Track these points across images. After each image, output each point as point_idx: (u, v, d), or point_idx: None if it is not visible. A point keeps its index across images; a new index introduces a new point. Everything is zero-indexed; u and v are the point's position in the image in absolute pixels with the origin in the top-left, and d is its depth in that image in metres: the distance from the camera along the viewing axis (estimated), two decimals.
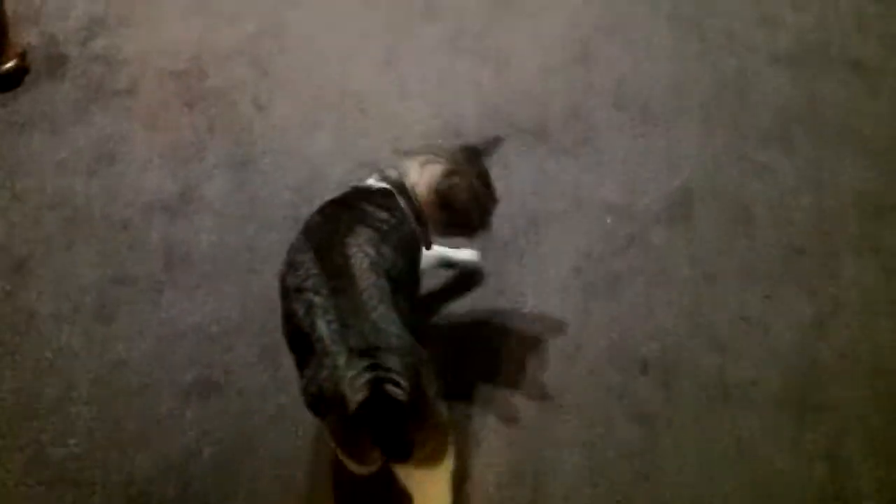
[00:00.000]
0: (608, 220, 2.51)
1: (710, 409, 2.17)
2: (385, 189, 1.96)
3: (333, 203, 1.98)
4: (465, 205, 1.98)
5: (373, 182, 1.99)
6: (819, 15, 3.02)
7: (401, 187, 1.96)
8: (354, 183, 2.03)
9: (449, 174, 1.97)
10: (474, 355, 2.27)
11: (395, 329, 1.73)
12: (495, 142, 2.11)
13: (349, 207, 1.93)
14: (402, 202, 1.95)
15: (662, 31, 2.94)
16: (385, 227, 1.89)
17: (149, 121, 2.75)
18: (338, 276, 1.77)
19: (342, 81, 2.82)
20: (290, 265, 1.85)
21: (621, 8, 3.00)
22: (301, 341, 1.76)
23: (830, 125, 2.74)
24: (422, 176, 1.98)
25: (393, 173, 1.99)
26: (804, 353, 2.25)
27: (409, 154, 2.05)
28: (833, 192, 2.58)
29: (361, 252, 1.81)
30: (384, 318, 1.74)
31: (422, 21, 2.98)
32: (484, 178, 2.03)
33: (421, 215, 1.96)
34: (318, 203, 2.30)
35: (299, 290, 1.78)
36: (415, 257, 1.98)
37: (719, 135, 2.70)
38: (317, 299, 1.74)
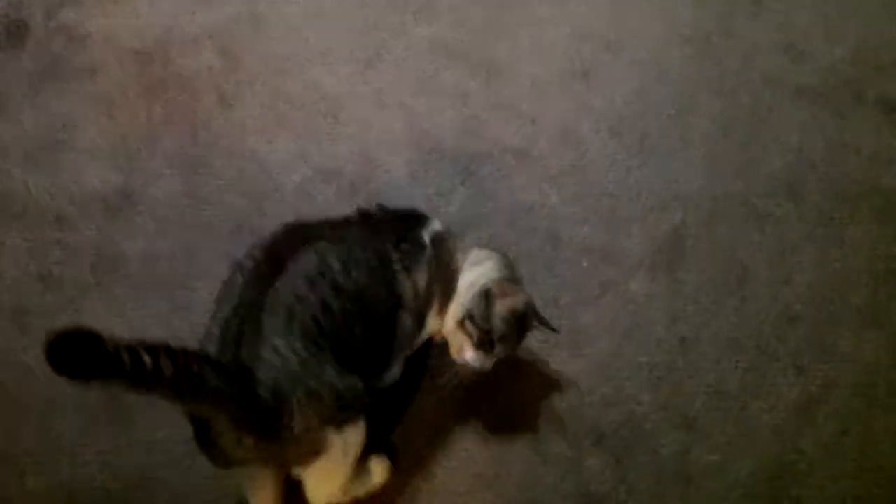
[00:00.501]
0: (584, 264, 2.26)
1: (666, 494, 1.91)
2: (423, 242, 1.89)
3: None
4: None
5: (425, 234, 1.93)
6: (854, 48, 2.70)
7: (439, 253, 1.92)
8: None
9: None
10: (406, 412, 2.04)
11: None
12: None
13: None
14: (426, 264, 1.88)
15: (674, 53, 2.65)
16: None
17: (104, 107, 2.53)
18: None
19: (317, 81, 2.58)
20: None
21: (632, 23, 2.71)
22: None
23: (850, 175, 2.44)
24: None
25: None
26: (782, 439, 1.99)
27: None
28: (842, 253, 2.29)
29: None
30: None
31: (415, 21, 2.71)
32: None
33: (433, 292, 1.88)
34: (269, 215, 2.10)
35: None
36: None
37: (722, 175, 2.42)
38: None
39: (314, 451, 1.67)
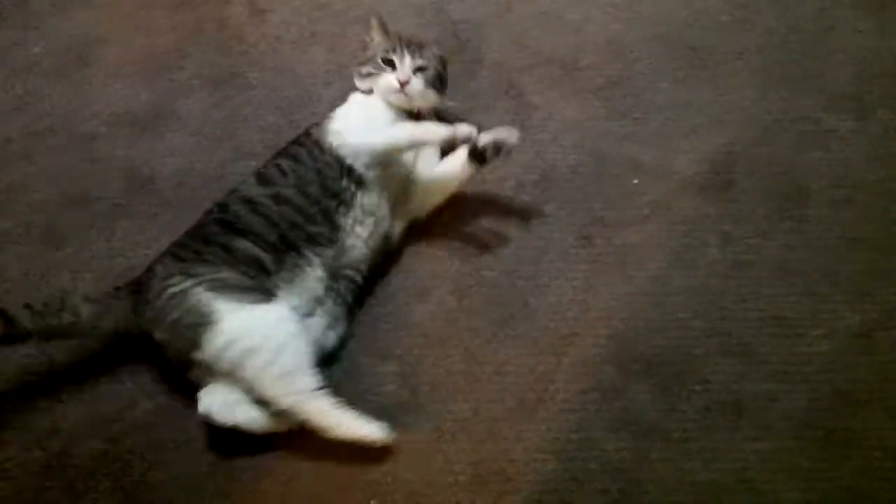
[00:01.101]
0: (634, 181, 2.14)
1: (716, 425, 1.82)
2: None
3: None
4: None
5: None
6: None
7: None
8: None
9: None
10: (447, 325, 1.96)
11: None
12: None
13: None
14: None
15: None
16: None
17: (130, 20, 2.45)
18: None
19: None
20: None
21: None
22: None
23: None
24: None
25: None
26: (842, 369, 1.88)
27: None
28: None
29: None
30: None
31: None
32: None
33: None
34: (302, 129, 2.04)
35: None
36: None
37: (779, 89, 2.27)
38: None
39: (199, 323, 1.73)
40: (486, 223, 2.08)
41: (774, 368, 1.88)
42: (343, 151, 1.93)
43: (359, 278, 1.94)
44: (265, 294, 1.80)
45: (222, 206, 1.91)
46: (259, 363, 1.73)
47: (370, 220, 1.94)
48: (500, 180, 2.14)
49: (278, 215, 1.87)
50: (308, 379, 1.75)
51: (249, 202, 1.89)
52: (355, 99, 2.07)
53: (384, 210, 1.97)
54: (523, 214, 2.09)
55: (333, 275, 1.89)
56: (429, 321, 1.96)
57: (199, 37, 2.41)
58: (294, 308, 1.82)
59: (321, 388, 1.76)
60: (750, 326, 1.93)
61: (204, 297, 1.76)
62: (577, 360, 1.91)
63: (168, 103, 2.29)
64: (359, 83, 2.07)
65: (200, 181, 2.16)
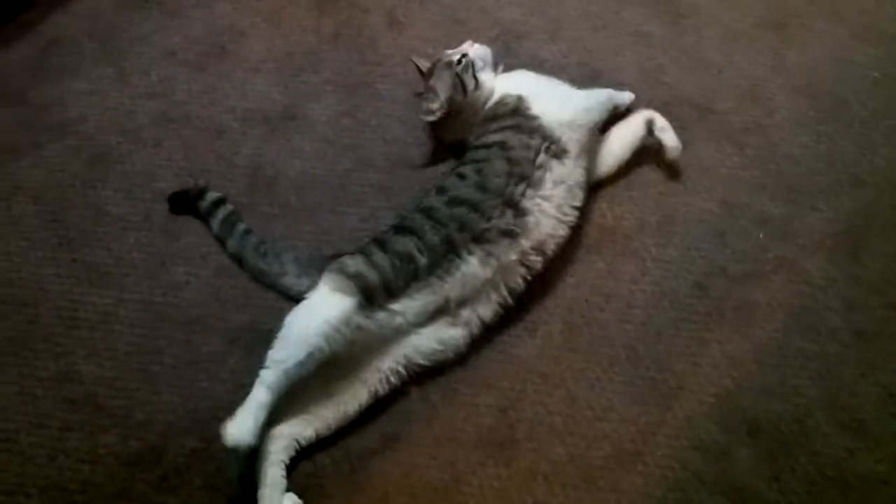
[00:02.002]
0: (760, 235, 2.07)
1: (822, 500, 1.75)
2: None
3: None
4: None
5: None
6: None
7: None
8: None
9: None
10: (552, 362, 1.93)
11: None
12: None
13: None
14: None
15: (885, 7, 2.39)
16: None
17: (272, 16, 2.48)
18: None
19: (493, 7, 2.45)
20: None
21: None
22: None
23: None
24: None
25: None
26: None
27: None
28: None
29: None
30: None
31: None
32: None
33: None
34: (427, 147, 2.10)
35: None
36: None
37: None
38: None
39: None
40: (602, 260, 2.04)
41: (890, 450, 1.79)
42: (554, 127, 1.98)
43: (539, 264, 1.93)
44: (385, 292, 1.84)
45: (403, 216, 1.98)
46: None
47: (561, 189, 1.94)
48: (621, 216, 2.10)
49: (449, 217, 1.89)
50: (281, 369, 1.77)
51: (424, 210, 1.93)
52: (526, 78, 2.13)
53: (577, 176, 1.98)
54: (640, 255, 2.05)
55: (505, 269, 1.90)
56: (534, 356, 1.93)
57: (336, 42, 2.42)
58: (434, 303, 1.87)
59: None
60: (868, 402, 1.85)
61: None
62: (681, 415, 1.86)
63: (299, 105, 2.30)
64: None
65: (321, 188, 2.17)
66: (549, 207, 1.92)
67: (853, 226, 2.07)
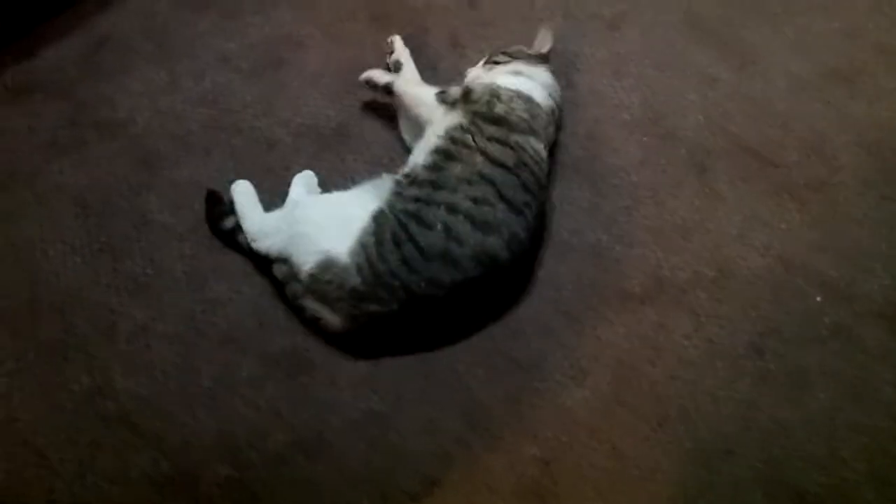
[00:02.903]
0: (817, 298, 2.02)
1: None
2: None
3: None
4: None
5: None
6: None
7: None
8: None
9: None
10: (599, 415, 1.88)
11: None
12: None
13: None
14: None
15: None
16: None
17: (331, 29, 2.43)
18: None
19: (557, 38, 2.38)
20: None
21: None
22: None
23: None
24: None
25: None
26: None
27: None
28: None
29: None
30: None
31: None
32: None
33: None
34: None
35: None
36: None
37: None
38: None
39: None
40: (654, 312, 1.99)
41: None
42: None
43: None
44: None
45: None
46: None
47: None
48: (676, 269, 2.05)
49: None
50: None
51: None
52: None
53: None
54: (694, 310, 1.99)
55: None
56: (581, 407, 1.88)
57: None
58: None
59: None
60: None
61: None
62: (727, 480, 1.81)
63: (353, 124, 2.25)
64: None
65: None
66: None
67: None
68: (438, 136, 1.99)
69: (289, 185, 2.09)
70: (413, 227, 1.85)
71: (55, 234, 2.08)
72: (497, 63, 2.14)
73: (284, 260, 1.93)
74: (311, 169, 2.14)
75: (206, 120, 2.25)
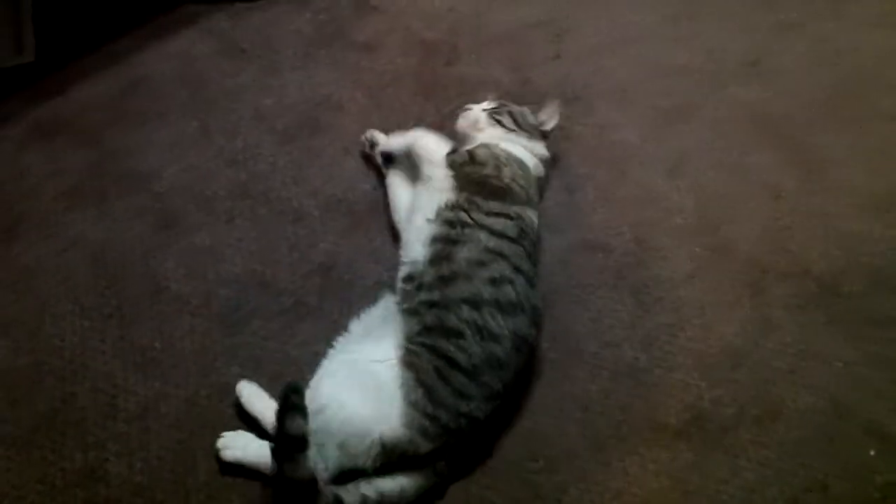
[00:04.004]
0: (871, 453, 1.85)
1: None
2: None
3: None
4: None
5: None
6: None
7: None
8: None
9: None
10: None
11: None
12: None
13: None
14: None
15: None
16: None
17: (374, 93, 2.31)
18: None
19: (606, 124, 2.26)
20: None
21: None
22: None
23: None
24: None
25: None
26: None
27: None
28: None
29: None
30: None
31: (739, 77, 2.41)
32: None
33: None
34: None
35: None
36: None
37: None
38: None
39: None
40: (690, 450, 1.83)
41: None
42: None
43: None
44: None
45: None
46: None
47: None
48: (718, 402, 1.89)
49: None
50: None
51: None
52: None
53: None
54: (734, 453, 1.83)
55: None
56: None
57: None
58: None
59: None
60: None
61: None
62: None
63: (383, 198, 2.12)
64: None
65: None
66: None
67: None
68: (430, 222, 1.86)
69: (309, 266, 1.98)
70: (445, 346, 1.71)
71: (66, 292, 1.98)
72: (501, 123, 2.06)
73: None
74: (337, 247, 2.04)
75: (234, 183, 2.15)
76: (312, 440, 1.61)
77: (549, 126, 2.10)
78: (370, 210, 2.12)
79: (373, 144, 2.15)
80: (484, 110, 2.08)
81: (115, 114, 2.24)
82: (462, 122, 2.07)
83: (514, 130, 2.05)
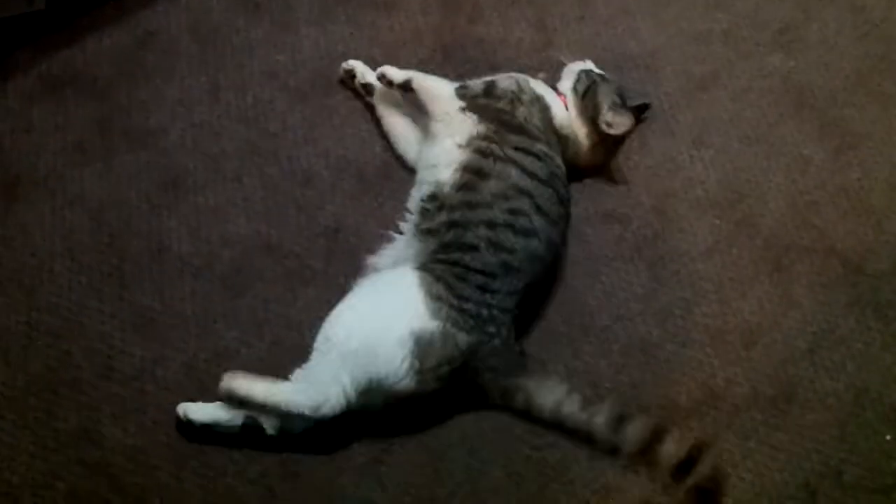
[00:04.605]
0: (887, 437, 1.79)
1: None
2: None
3: None
4: None
5: None
6: None
7: None
8: None
9: None
10: None
11: None
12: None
13: None
14: None
15: None
16: None
17: (391, 51, 2.24)
18: None
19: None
20: None
21: None
22: None
23: None
24: None
25: None
26: None
27: None
28: None
29: None
30: None
31: (774, 44, 2.32)
32: None
33: None
34: None
35: None
36: None
37: None
38: None
39: None
40: (699, 430, 1.78)
41: None
42: None
43: None
44: None
45: None
46: None
47: None
48: (731, 381, 1.83)
49: None
50: None
51: None
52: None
53: None
54: (746, 434, 1.78)
55: None
56: None
57: None
58: None
59: None
60: None
61: None
62: None
63: (400, 165, 2.06)
64: None
65: None
66: None
67: None
68: (461, 147, 1.84)
69: (317, 228, 1.94)
70: (460, 256, 1.74)
71: (65, 250, 1.93)
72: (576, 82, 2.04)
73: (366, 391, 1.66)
74: (345, 210, 1.99)
75: (242, 141, 2.08)
76: (339, 370, 1.63)
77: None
78: (380, 173, 2.06)
79: (352, 76, 2.11)
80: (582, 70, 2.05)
81: (124, 68, 2.18)
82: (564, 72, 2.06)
83: (574, 91, 2.01)
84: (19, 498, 1.67)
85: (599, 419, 1.66)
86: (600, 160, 2.04)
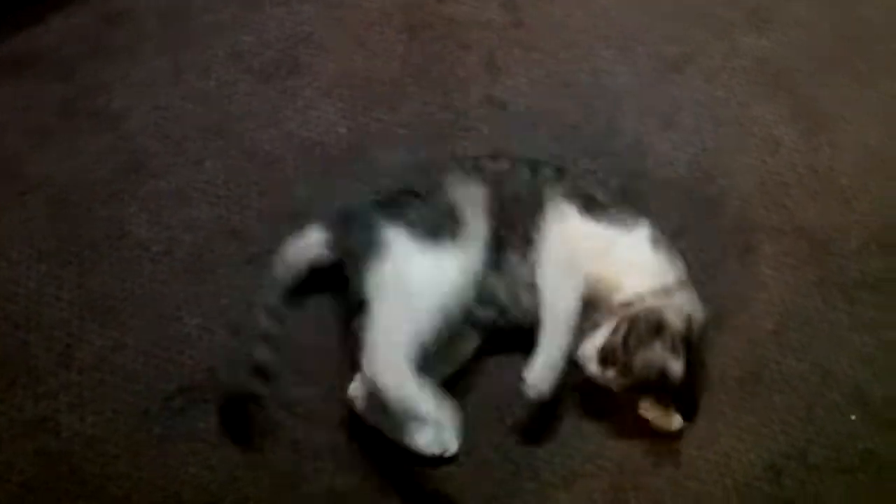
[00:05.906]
0: (852, 417, 1.77)
1: None
2: None
3: None
4: None
5: None
6: None
7: None
8: None
9: None
10: None
11: None
12: None
13: None
14: None
15: None
16: None
17: (358, 32, 2.20)
18: None
19: (606, 71, 2.16)
20: None
21: None
22: None
23: None
24: None
25: None
26: None
27: None
28: None
29: None
30: None
31: (747, 25, 2.28)
32: None
33: None
34: None
35: None
36: None
37: None
38: None
39: None
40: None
41: None
42: None
43: None
44: None
45: None
46: None
47: None
48: None
49: None
50: None
51: None
52: None
53: None
54: (712, 415, 1.76)
55: None
56: None
57: (421, 76, 2.13)
58: None
59: None
60: None
61: None
62: None
63: (366, 146, 2.04)
64: None
65: None
66: None
67: None
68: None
69: (289, 210, 1.93)
70: None
71: (24, 236, 1.90)
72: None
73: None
74: (309, 193, 1.96)
75: (205, 124, 2.05)
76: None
77: None
78: (346, 156, 2.02)
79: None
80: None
81: (91, 48, 2.14)
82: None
83: None
84: None
85: None
86: None
